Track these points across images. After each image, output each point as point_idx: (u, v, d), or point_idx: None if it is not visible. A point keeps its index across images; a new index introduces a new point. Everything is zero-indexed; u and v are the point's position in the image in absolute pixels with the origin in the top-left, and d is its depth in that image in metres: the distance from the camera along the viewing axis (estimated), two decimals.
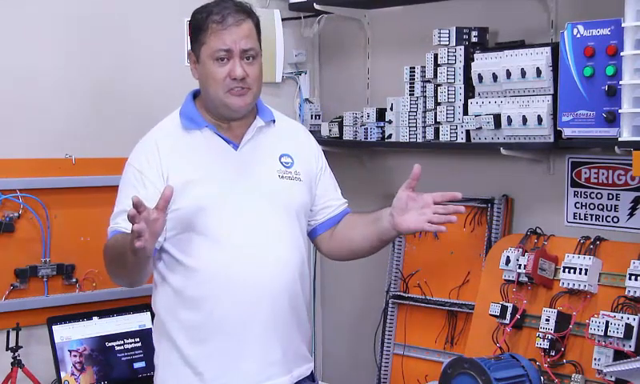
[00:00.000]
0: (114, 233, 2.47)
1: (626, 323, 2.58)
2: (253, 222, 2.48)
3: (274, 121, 2.63)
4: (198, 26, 2.49)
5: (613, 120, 2.65)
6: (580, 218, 3.06)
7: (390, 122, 3.40)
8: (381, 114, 3.47)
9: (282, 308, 2.51)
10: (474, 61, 3.07)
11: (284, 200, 2.55)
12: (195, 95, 2.62)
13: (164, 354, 2.53)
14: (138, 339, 3.18)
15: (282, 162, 2.59)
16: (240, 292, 2.44)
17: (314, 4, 3.53)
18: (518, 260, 2.91)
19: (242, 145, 2.54)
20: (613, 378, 2.59)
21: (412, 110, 3.32)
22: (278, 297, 2.49)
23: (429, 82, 3.28)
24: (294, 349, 2.57)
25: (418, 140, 3.31)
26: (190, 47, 2.56)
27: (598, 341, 2.62)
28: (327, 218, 2.71)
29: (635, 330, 2.57)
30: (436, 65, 3.22)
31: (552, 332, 2.75)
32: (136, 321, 3.21)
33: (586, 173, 3.04)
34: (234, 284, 2.44)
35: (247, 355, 2.46)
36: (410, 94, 3.33)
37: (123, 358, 3.14)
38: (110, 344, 3.13)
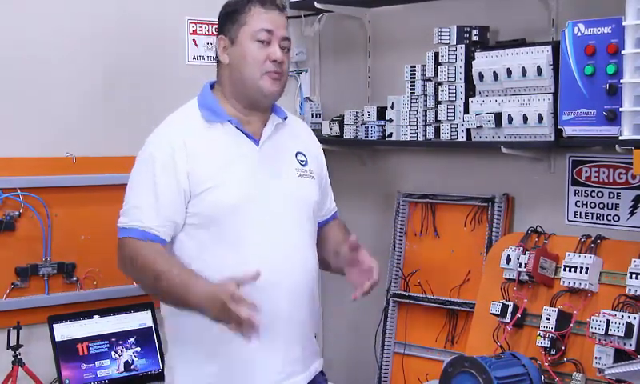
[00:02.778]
0: (137, 234, 2.40)
1: (626, 322, 2.57)
2: (276, 220, 2.47)
3: (286, 118, 2.63)
4: (236, 9, 2.49)
5: (613, 118, 2.64)
6: (581, 217, 3.06)
7: (390, 120, 3.40)
8: (381, 113, 3.47)
9: (301, 305, 2.52)
10: (474, 59, 3.07)
11: (303, 198, 2.56)
12: (211, 87, 2.59)
13: (182, 353, 2.49)
14: (138, 338, 3.18)
15: (298, 160, 2.59)
16: (262, 290, 2.39)
17: (315, 2, 3.53)
18: (518, 259, 2.90)
19: (263, 141, 2.53)
20: (614, 379, 2.59)
21: (413, 108, 3.31)
22: (299, 295, 2.50)
23: (429, 80, 3.28)
24: (310, 346, 2.60)
25: (419, 139, 3.31)
26: (220, 32, 2.54)
27: (599, 339, 2.62)
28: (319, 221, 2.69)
29: (636, 328, 2.57)
30: (437, 63, 3.22)
31: (553, 331, 2.75)
32: (137, 319, 3.21)
33: (586, 171, 3.04)
34: (256, 283, 2.38)
35: (270, 354, 2.45)
36: (410, 93, 3.33)
37: (124, 357, 3.14)
38: (110, 342, 3.13)
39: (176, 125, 2.52)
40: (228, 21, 2.51)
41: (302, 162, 2.60)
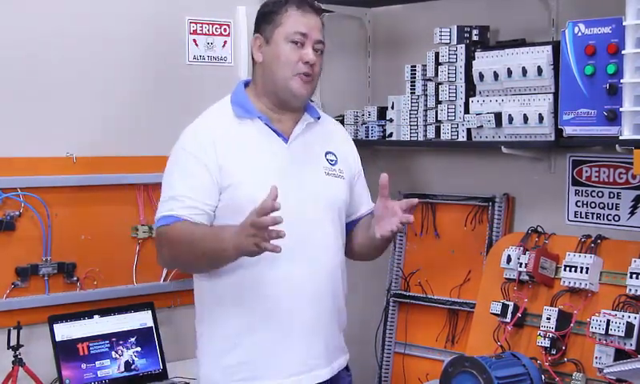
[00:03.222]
0: (171, 219, 2.45)
1: (626, 322, 2.57)
2: (301, 217, 2.49)
3: (319, 118, 2.66)
4: (273, 10, 2.54)
5: (614, 118, 2.64)
6: (581, 217, 3.06)
7: (391, 120, 3.40)
8: (382, 113, 3.47)
9: (325, 302, 2.55)
10: (475, 59, 3.07)
11: (329, 197, 2.59)
12: (246, 85, 2.63)
13: (209, 342, 2.54)
14: (139, 338, 3.18)
15: (327, 160, 2.62)
16: (286, 286, 2.47)
17: (315, 2, 3.53)
18: (518, 258, 2.90)
19: (292, 139, 2.56)
20: (614, 378, 2.59)
21: (413, 108, 3.32)
22: (323, 292, 2.54)
23: (430, 80, 3.28)
24: (334, 342, 2.62)
25: (419, 138, 3.31)
26: (256, 31, 2.58)
27: (599, 339, 2.62)
28: (351, 220, 2.72)
29: (636, 328, 2.57)
30: (437, 63, 3.22)
31: (553, 330, 2.75)
32: (137, 319, 3.21)
33: (587, 171, 3.04)
34: (280, 278, 2.47)
35: (291, 348, 2.49)
36: (411, 93, 3.33)
37: (124, 357, 3.14)
38: (111, 342, 3.13)
39: (209, 120, 2.58)
40: (264, 20, 2.56)
41: (332, 161, 2.63)
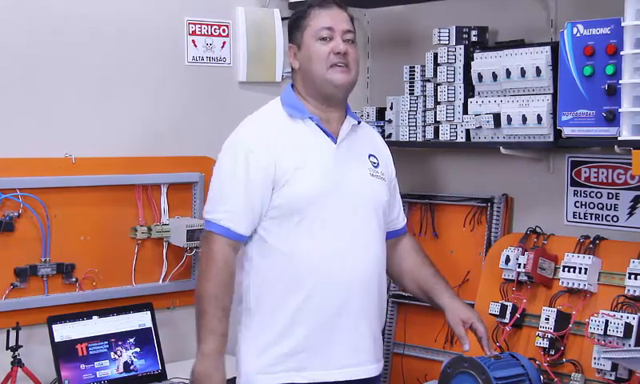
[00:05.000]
0: (220, 230, 2.51)
1: (625, 322, 2.57)
2: (349, 215, 2.57)
3: (360, 122, 2.73)
4: (300, 16, 2.64)
5: (612, 119, 2.65)
6: (580, 217, 3.06)
7: (389, 121, 3.40)
8: (381, 113, 3.47)
9: (371, 297, 2.61)
10: (473, 60, 3.07)
11: (374, 196, 2.65)
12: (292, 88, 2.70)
13: (252, 338, 2.57)
14: (138, 338, 3.18)
15: (371, 162, 2.69)
16: (335, 280, 2.53)
17: None
18: (517, 259, 2.91)
19: (340, 140, 2.62)
20: (612, 378, 2.59)
21: (412, 109, 3.32)
22: (369, 286, 2.60)
23: (429, 81, 3.28)
24: (379, 337, 2.68)
25: (418, 139, 3.31)
26: (290, 42, 2.67)
27: (598, 340, 2.62)
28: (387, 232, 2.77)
29: (635, 329, 2.57)
30: (436, 64, 3.22)
31: (552, 331, 2.75)
32: (136, 320, 3.21)
33: (585, 172, 3.04)
34: (329, 272, 2.52)
35: (339, 341, 2.55)
36: (409, 93, 3.33)
37: (123, 357, 3.14)
38: (110, 343, 3.13)
39: (262, 120, 2.64)
40: (294, 29, 2.65)
41: (374, 163, 2.70)
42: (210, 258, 2.52)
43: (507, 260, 2.93)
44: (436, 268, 2.84)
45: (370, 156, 2.69)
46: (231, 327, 2.56)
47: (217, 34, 3.51)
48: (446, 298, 2.76)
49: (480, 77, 3.02)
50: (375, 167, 2.69)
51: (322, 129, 2.61)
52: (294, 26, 2.65)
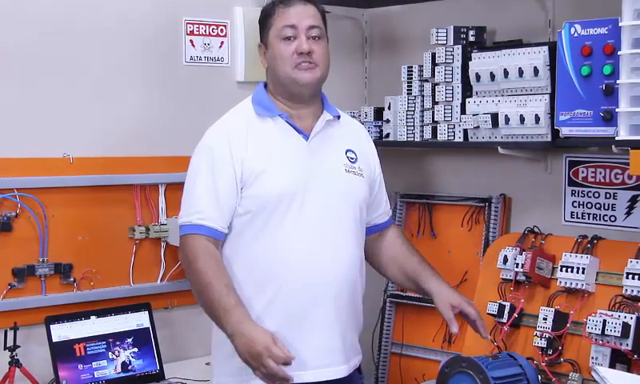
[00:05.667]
0: (194, 229, 2.50)
1: (623, 322, 2.58)
2: (321, 213, 2.54)
3: (339, 117, 2.70)
4: (266, 15, 2.62)
5: (610, 119, 2.65)
6: (577, 217, 3.06)
7: (387, 121, 3.40)
8: (379, 113, 3.47)
9: (343, 298, 2.57)
10: (471, 60, 3.07)
11: (349, 193, 2.62)
12: (265, 86, 2.69)
13: (223, 339, 2.52)
14: (136, 338, 3.18)
15: (347, 157, 2.65)
16: (305, 280, 2.50)
17: None
18: (515, 259, 2.91)
19: (312, 136, 2.60)
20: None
21: (410, 109, 3.32)
22: (341, 287, 2.56)
23: (426, 81, 3.28)
24: (350, 338, 2.64)
25: (416, 139, 3.31)
26: (260, 40, 2.65)
27: (596, 339, 2.62)
28: (371, 226, 2.77)
29: (632, 328, 2.57)
30: (434, 64, 3.22)
31: (549, 331, 2.76)
32: (134, 320, 3.20)
33: (583, 172, 3.04)
34: (298, 272, 2.50)
35: (308, 342, 2.52)
36: (407, 93, 3.34)
37: (121, 357, 3.14)
38: (108, 343, 3.12)
39: (231, 119, 2.62)
40: (262, 28, 2.64)
41: (352, 159, 2.66)
42: (191, 254, 2.49)
43: (505, 260, 2.93)
44: (422, 256, 2.81)
45: (347, 151, 2.65)
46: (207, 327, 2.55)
47: (215, 33, 3.51)
48: (434, 282, 2.73)
49: (478, 77, 3.03)
50: (352, 162, 2.64)
51: (292, 125, 2.58)
52: (262, 24, 2.63)
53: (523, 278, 2.91)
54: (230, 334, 2.41)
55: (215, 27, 3.51)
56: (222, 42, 3.53)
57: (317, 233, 2.53)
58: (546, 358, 2.77)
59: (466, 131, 3.12)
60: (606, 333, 2.59)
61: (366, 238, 2.74)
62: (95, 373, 3.08)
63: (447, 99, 3.18)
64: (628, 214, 2.94)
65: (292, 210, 2.51)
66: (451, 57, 3.16)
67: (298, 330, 2.51)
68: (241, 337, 2.37)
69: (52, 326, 3.03)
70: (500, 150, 3.00)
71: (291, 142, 2.58)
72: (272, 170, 2.52)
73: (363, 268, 2.68)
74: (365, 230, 2.71)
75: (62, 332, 3.05)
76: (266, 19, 2.61)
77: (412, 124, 3.32)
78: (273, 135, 2.56)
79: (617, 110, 2.55)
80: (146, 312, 3.23)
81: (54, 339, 3.03)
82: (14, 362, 2.97)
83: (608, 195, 2.99)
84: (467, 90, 3.14)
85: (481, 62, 3.02)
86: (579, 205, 3.06)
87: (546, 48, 2.86)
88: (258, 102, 2.61)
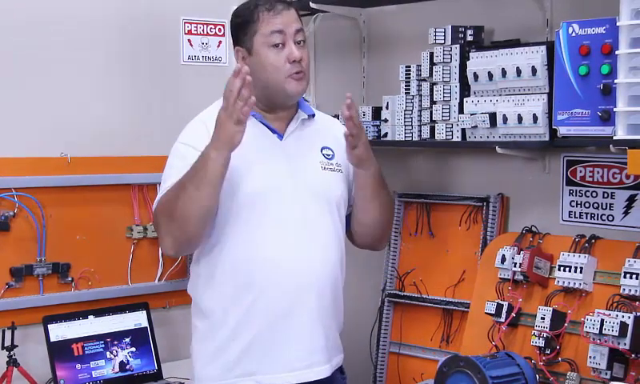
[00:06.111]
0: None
1: (620, 321, 2.57)
2: (298, 212, 2.52)
3: (314, 115, 2.68)
4: (246, 20, 2.55)
5: (608, 119, 2.65)
6: (575, 217, 3.06)
7: (385, 120, 3.40)
8: (376, 113, 3.47)
9: (325, 297, 2.55)
10: (469, 59, 3.07)
11: (326, 191, 2.60)
12: None
13: (205, 335, 2.54)
14: (133, 338, 3.18)
15: (323, 154, 2.64)
16: (285, 280, 2.48)
17: (310, 3, 3.52)
18: (513, 258, 2.91)
19: (287, 135, 2.58)
20: (608, 377, 2.59)
21: (408, 108, 3.32)
22: (322, 286, 2.54)
23: (424, 80, 3.28)
24: (333, 337, 2.62)
25: (414, 138, 3.31)
26: (235, 44, 2.59)
27: (593, 339, 2.62)
28: (351, 212, 2.73)
29: (630, 328, 2.57)
30: (432, 63, 3.22)
31: (547, 330, 2.76)
32: (132, 320, 3.21)
33: (581, 171, 3.05)
34: (279, 272, 2.48)
35: (291, 342, 2.50)
36: (405, 93, 3.33)
37: (119, 357, 3.14)
38: (105, 343, 3.12)
39: (204, 117, 2.59)
40: (240, 32, 2.57)
41: (328, 155, 2.64)
42: (163, 208, 2.43)
43: (503, 259, 2.93)
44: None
45: (323, 149, 2.64)
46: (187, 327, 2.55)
47: (212, 33, 3.52)
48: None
49: (476, 76, 3.02)
50: (329, 159, 2.63)
51: (266, 125, 2.57)
52: (241, 28, 2.56)
53: (521, 277, 2.91)
54: (214, 145, 2.36)
55: (213, 27, 3.51)
56: (220, 42, 3.54)
57: (295, 234, 2.50)
58: (543, 358, 2.77)
59: (463, 131, 3.12)
60: (603, 332, 2.59)
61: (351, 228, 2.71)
62: (93, 372, 3.08)
63: (445, 99, 3.18)
64: (626, 213, 2.94)
65: (268, 210, 2.49)
66: (449, 56, 3.16)
67: (278, 333, 2.49)
68: (216, 131, 2.36)
69: (50, 326, 3.04)
70: (498, 149, 2.99)
71: (265, 142, 2.56)
72: (244, 171, 2.48)
73: (344, 265, 2.66)
74: (344, 226, 2.67)
75: (60, 331, 3.05)
76: (247, 24, 2.55)
77: (410, 123, 3.32)
78: (246, 135, 2.49)
79: (614, 109, 2.54)
80: (144, 311, 3.23)
81: (52, 339, 3.03)
82: (12, 362, 2.97)
83: (606, 195, 2.99)
84: (465, 90, 3.13)
85: (479, 62, 3.02)
86: (577, 204, 3.06)
87: (543, 47, 2.86)
88: None
